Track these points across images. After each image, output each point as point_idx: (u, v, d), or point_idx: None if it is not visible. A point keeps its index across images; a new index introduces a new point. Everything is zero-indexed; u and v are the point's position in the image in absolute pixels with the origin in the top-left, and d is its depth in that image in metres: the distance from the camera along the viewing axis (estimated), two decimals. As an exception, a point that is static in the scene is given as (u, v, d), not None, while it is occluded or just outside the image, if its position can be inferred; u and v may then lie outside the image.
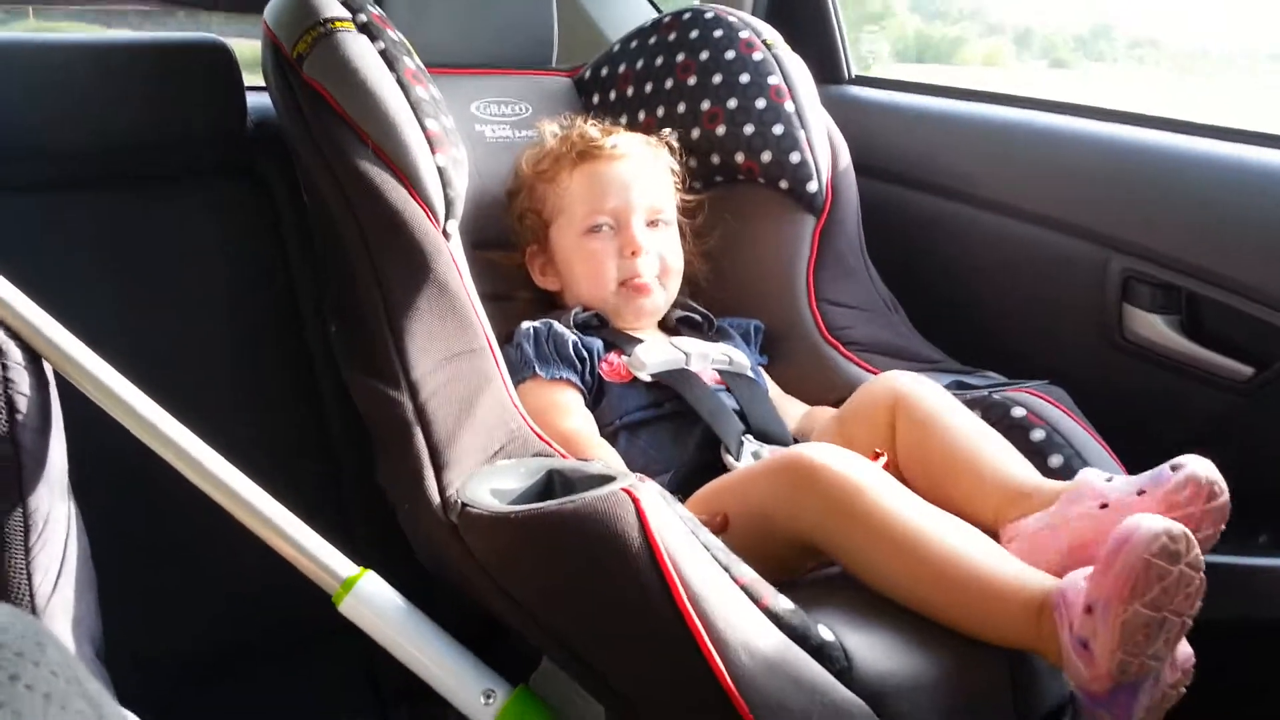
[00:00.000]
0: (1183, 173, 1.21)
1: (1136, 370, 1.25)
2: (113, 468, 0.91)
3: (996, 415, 1.10)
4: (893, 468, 0.99)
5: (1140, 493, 0.84)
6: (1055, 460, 1.04)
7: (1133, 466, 1.05)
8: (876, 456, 0.99)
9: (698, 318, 1.31)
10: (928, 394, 1.04)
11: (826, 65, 1.64)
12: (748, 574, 0.81)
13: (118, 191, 1.19)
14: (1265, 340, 1.13)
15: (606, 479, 0.85)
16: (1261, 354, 1.14)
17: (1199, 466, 0.83)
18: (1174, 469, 0.84)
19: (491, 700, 0.80)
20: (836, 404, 1.26)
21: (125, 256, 1.18)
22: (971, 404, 1.12)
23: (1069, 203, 1.31)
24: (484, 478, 0.93)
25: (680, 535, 0.80)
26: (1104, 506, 0.85)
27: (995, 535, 0.91)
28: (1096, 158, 1.30)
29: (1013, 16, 2.23)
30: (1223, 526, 0.83)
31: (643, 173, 1.25)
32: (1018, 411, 1.09)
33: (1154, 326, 1.23)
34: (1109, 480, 0.88)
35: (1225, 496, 0.83)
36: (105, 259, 1.17)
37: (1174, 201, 1.21)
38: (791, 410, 1.25)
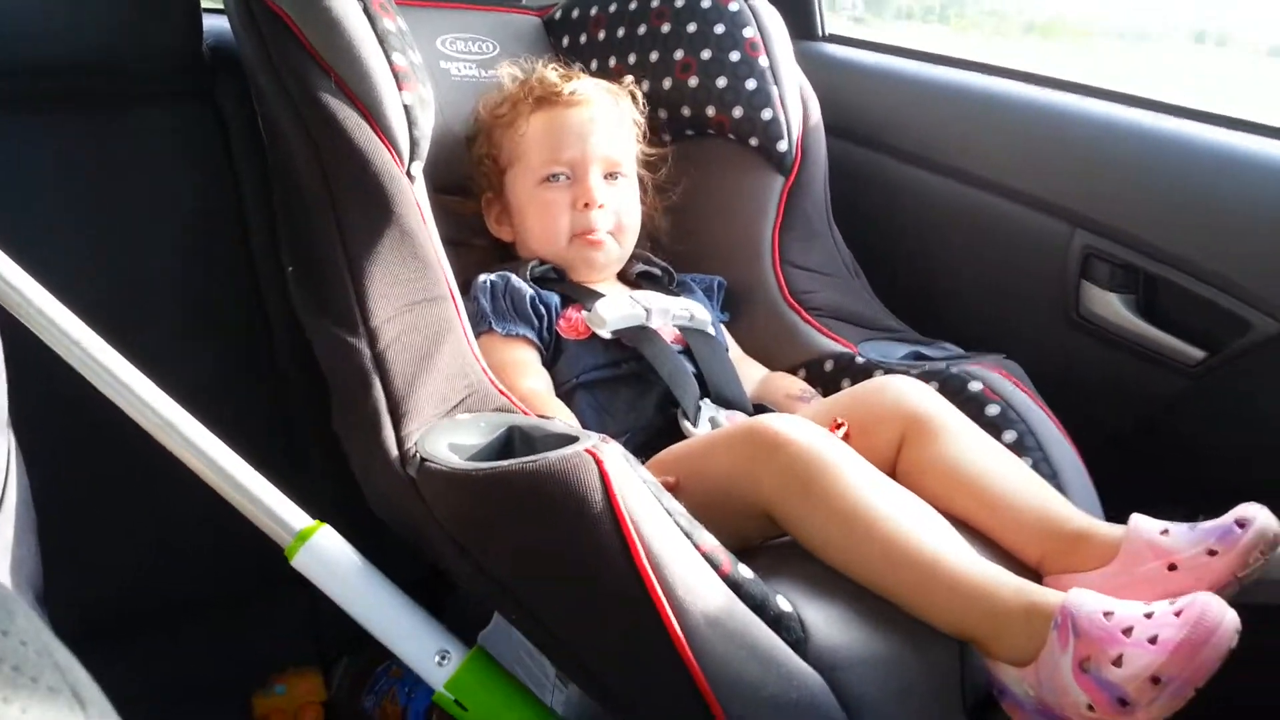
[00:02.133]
0: (1151, 153, 1.22)
1: (1090, 348, 1.27)
2: (55, 406, 0.87)
3: (954, 388, 1.11)
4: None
5: (1211, 553, 0.82)
6: (1009, 436, 1.06)
7: (1083, 443, 1.07)
8: (837, 427, 0.99)
9: (658, 271, 1.29)
10: (945, 414, 1.00)
11: (800, 20, 1.61)
12: (709, 541, 0.80)
13: (65, 113, 1.13)
14: (1218, 324, 1.14)
15: (569, 439, 0.84)
16: (1213, 338, 1.16)
17: (1266, 520, 0.82)
18: (1241, 525, 0.82)
19: (446, 661, 0.80)
20: (794, 369, 1.27)
21: (71, 181, 1.12)
22: (929, 376, 1.13)
23: (1036, 175, 1.31)
24: (443, 431, 0.91)
25: (643, 499, 0.79)
26: (1172, 568, 0.83)
27: (1038, 575, 0.91)
28: (1067, 132, 1.30)
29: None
30: None
31: (602, 122, 1.22)
32: (974, 385, 1.10)
33: (1110, 305, 1.24)
34: (1164, 532, 0.86)
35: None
36: (49, 183, 1.11)
37: (1140, 181, 1.22)
38: (751, 373, 1.24)
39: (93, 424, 0.88)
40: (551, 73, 1.25)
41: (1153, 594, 0.82)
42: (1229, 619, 0.70)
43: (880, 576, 0.83)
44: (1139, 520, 0.89)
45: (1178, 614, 0.71)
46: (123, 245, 1.14)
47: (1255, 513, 0.83)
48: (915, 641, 0.81)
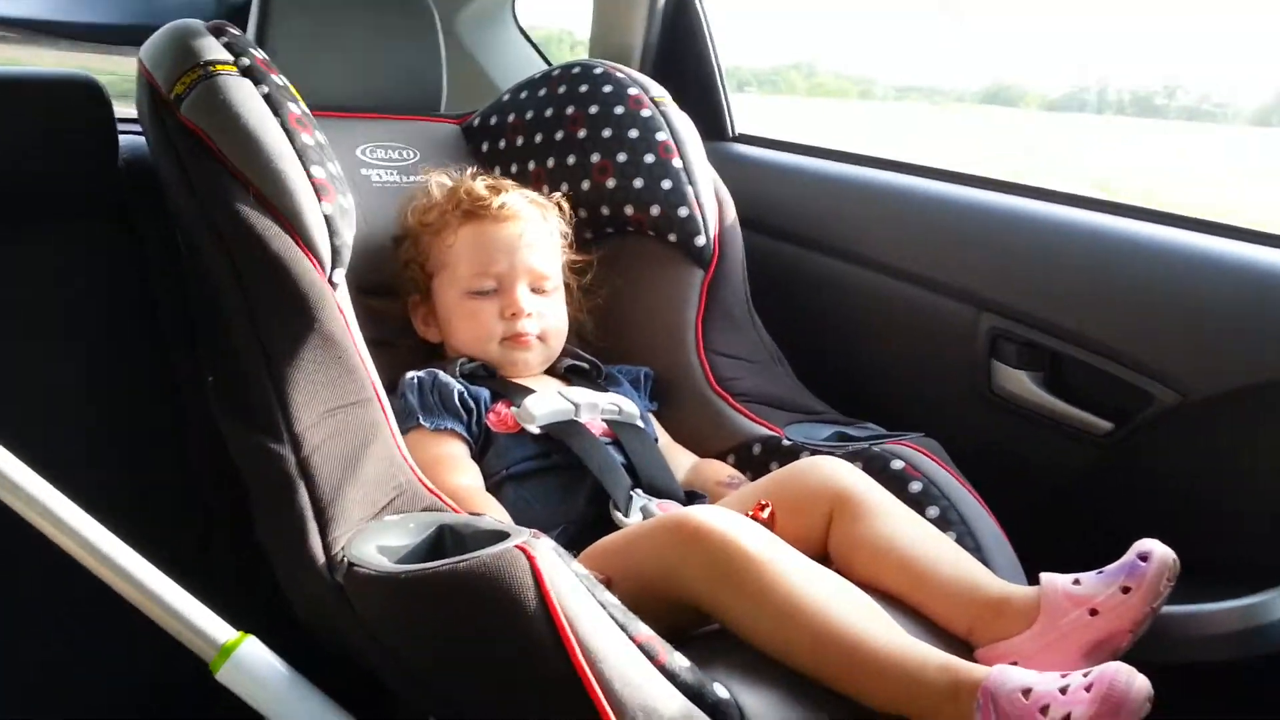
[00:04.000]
0: (1049, 238, 1.29)
1: (1005, 423, 1.31)
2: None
3: (877, 467, 1.13)
4: (821, 558, 0.97)
5: (1125, 590, 0.86)
6: (932, 511, 1.08)
7: (1003, 515, 1.10)
8: (762, 508, 1.00)
9: (586, 365, 1.31)
10: (871, 492, 1.03)
11: (711, 123, 1.68)
12: (644, 631, 0.80)
13: None
14: (1123, 397, 1.20)
15: (500, 535, 0.84)
16: (1120, 410, 1.21)
17: (1163, 550, 0.88)
18: (1143, 558, 0.87)
19: (379, 771, 0.77)
20: (723, 454, 1.29)
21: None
22: (853, 456, 1.15)
23: (941, 263, 1.37)
24: (371, 534, 0.90)
25: (576, 593, 0.79)
26: (1094, 612, 0.87)
27: (969, 646, 0.93)
28: (968, 221, 1.37)
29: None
30: None
31: (529, 237, 1.23)
32: (896, 464, 1.13)
33: (1020, 382, 1.29)
34: (1076, 582, 0.90)
35: (1179, 567, 0.88)
36: None
37: (1038, 265, 1.28)
38: (681, 461, 1.25)
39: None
40: (480, 184, 1.26)
41: (1081, 642, 0.85)
42: (1137, 686, 0.72)
43: (809, 661, 0.83)
44: (1050, 577, 0.92)
45: (1088, 688, 0.73)
46: (34, 358, 1.12)
47: (1152, 545, 0.88)
48: (854, 721, 0.81)
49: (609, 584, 0.90)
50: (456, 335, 1.24)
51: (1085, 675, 0.75)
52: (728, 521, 0.88)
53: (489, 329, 1.21)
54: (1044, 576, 0.92)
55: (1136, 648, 0.88)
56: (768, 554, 0.86)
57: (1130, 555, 0.88)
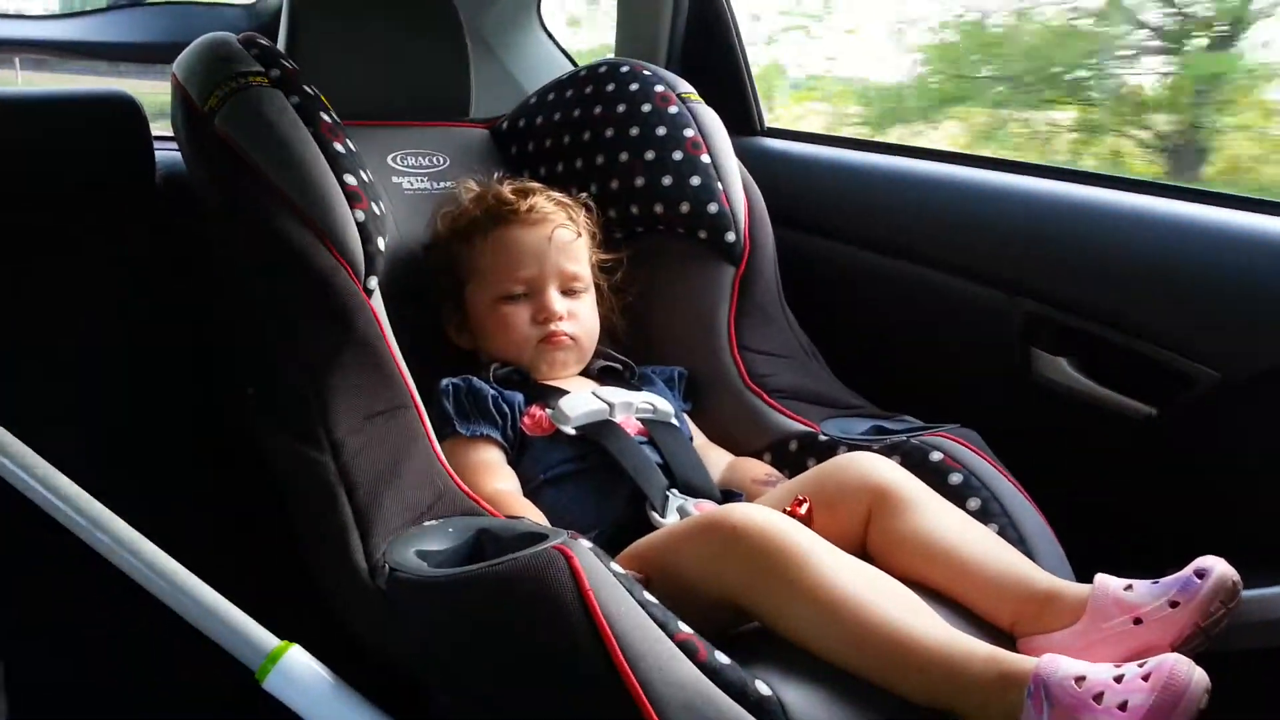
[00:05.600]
0: (1082, 220, 1.27)
1: (1045, 411, 1.30)
2: (12, 539, 0.86)
3: (915, 460, 1.12)
4: (860, 554, 0.96)
5: (1173, 604, 0.84)
6: (973, 503, 1.07)
7: (1046, 505, 1.09)
8: (799, 504, 1.00)
9: (619, 366, 1.31)
10: (910, 486, 1.02)
11: (739, 117, 1.68)
12: (684, 629, 0.80)
13: (21, 247, 1.15)
14: (1165, 380, 1.17)
15: (538, 537, 0.84)
16: (1162, 394, 1.19)
17: (1224, 570, 0.85)
18: (1200, 575, 0.85)
19: (425, 776, 0.78)
20: (759, 452, 1.28)
21: (27, 313, 1.13)
22: (891, 449, 1.14)
23: (975, 250, 1.36)
24: (411, 540, 0.91)
25: (616, 592, 0.79)
26: (1138, 621, 0.85)
27: (1013, 639, 0.92)
28: (1000, 207, 1.35)
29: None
30: None
31: (558, 239, 1.24)
32: (935, 456, 1.12)
33: (1059, 368, 1.27)
34: (1128, 588, 0.88)
35: (1242, 590, 0.86)
36: (5, 316, 1.12)
37: (1074, 248, 1.26)
38: (716, 460, 1.25)
39: (51, 554, 0.87)
40: (507, 189, 1.27)
41: (1121, 648, 0.83)
42: (1196, 679, 0.71)
43: (852, 657, 0.83)
44: (1103, 578, 0.91)
45: (1145, 678, 0.72)
46: (78, 374, 1.14)
47: (1213, 564, 0.85)
48: (898, 718, 0.81)
49: (647, 584, 0.90)
50: (491, 341, 1.24)
51: (1141, 665, 0.74)
52: (765, 518, 0.88)
53: (523, 334, 1.22)
54: (1099, 578, 0.91)
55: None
56: (806, 550, 0.86)
57: (1188, 570, 0.86)
